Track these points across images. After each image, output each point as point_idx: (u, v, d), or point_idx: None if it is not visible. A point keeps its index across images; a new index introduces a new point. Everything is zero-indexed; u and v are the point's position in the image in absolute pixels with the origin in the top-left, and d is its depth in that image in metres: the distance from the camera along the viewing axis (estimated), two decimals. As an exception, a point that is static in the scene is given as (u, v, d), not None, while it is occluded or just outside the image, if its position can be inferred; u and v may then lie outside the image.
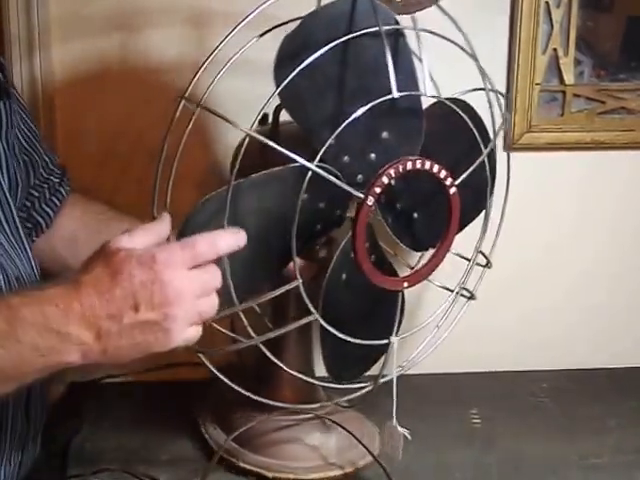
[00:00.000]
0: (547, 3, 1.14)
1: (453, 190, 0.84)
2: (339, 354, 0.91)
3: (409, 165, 0.81)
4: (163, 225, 0.75)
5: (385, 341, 0.88)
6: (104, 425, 1.06)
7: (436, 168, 0.82)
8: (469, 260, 0.94)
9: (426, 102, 0.85)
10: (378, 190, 0.80)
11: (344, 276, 0.87)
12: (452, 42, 0.83)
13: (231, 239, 0.74)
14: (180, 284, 0.70)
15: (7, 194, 0.84)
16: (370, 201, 0.80)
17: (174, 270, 0.70)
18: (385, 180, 0.80)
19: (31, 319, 0.68)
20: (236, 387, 0.86)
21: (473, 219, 0.95)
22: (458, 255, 0.95)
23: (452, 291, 0.94)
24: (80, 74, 1.12)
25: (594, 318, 1.24)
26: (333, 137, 0.78)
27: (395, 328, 0.90)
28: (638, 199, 1.22)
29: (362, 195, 0.80)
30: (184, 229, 0.77)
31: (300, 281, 0.81)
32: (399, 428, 0.89)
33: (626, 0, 1.17)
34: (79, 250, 0.92)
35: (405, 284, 0.86)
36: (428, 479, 0.97)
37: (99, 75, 1.11)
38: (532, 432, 1.07)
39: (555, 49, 1.15)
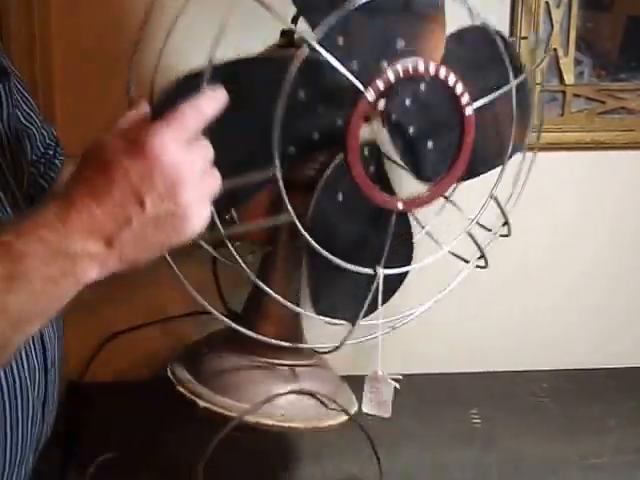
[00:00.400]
0: (547, 3, 1.14)
1: (469, 111, 0.73)
2: (324, 282, 0.80)
3: (420, 66, 0.70)
4: (143, 110, 0.66)
5: (369, 270, 0.77)
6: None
7: (452, 79, 0.71)
8: (488, 230, 0.87)
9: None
10: (381, 85, 0.69)
11: (339, 196, 0.76)
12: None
13: (213, 101, 0.64)
14: (181, 164, 0.62)
15: (10, 179, 0.80)
16: (370, 96, 0.69)
17: (169, 151, 0.61)
18: (391, 76, 0.69)
19: (32, 251, 0.59)
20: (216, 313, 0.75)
21: (492, 167, 0.84)
22: (477, 224, 0.86)
23: (467, 261, 0.86)
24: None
25: (593, 318, 1.24)
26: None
27: (383, 259, 0.78)
28: (638, 199, 1.22)
29: (361, 86, 0.68)
30: (158, 107, 0.66)
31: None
32: (388, 379, 0.78)
33: (626, 0, 1.17)
34: None
35: (400, 204, 0.75)
36: (427, 479, 0.97)
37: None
38: (532, 432, 1.07)
39: (555, 49, 1.16)
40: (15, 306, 0.60)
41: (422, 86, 0.73)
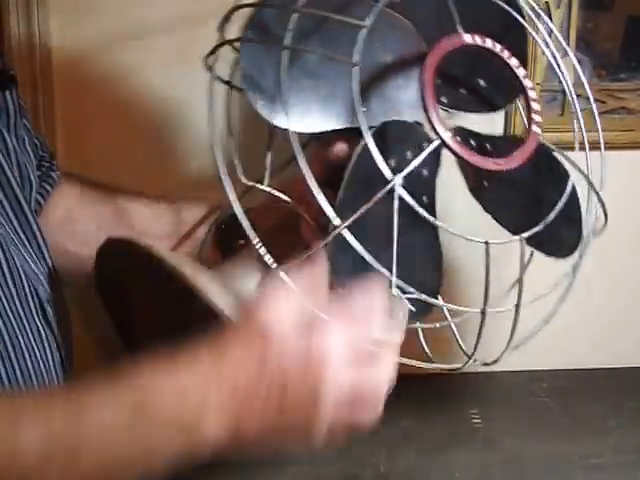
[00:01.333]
0: (547, 3, 1.14)
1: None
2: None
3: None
4: (317, 273, 0.60)
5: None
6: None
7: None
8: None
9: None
10: None
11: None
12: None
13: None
14: (334, 385, 0.56)
15: (19, 192, 0.78)
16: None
17: (331, 369, 0.56)
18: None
19: (165, 412, 0.55)
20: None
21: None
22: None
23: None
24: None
25: (594, 318, 1.24)
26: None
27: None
28: (637, 199, 1.22)
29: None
30: None
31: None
32: (403, 299, 0.66)
33: (626, 0, 1.17)
34: (77, 227, 0.87)
35: (493, 164, 0.68)
36: (429, 479, 0.97)
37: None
38: (532, 432, 1.07)
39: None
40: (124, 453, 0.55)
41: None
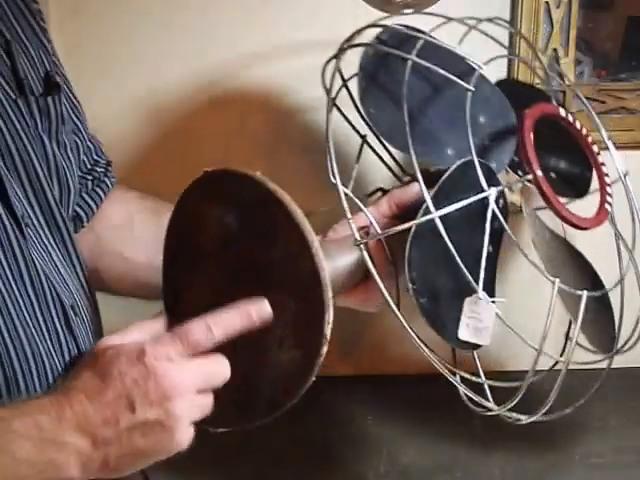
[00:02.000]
0: (547, 3, 1.14)
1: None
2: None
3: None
4: (158, 323, 0.70)
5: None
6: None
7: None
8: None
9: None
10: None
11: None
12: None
13: (237, 319, 0.66)
14: (177, 376, 0.64)
15: (53, 202, 0.77)
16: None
17: (168, 362, 0.64)
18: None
19: (25, 431, 0.61)
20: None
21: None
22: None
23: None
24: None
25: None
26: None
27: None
28: (638, 199, 1.21)
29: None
30: None
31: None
32: (490, 303, 0.71)
33: (626, 0, 1.17)
34: (135, 233, 0.89)
35: (575, 220, 0.82)
36: (429, 479, 0.97)
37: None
38: (533, 431, 1.06)
39: (555, 49, 1.15)
40: None
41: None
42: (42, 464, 0.61)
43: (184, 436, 0.65)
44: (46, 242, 0.75)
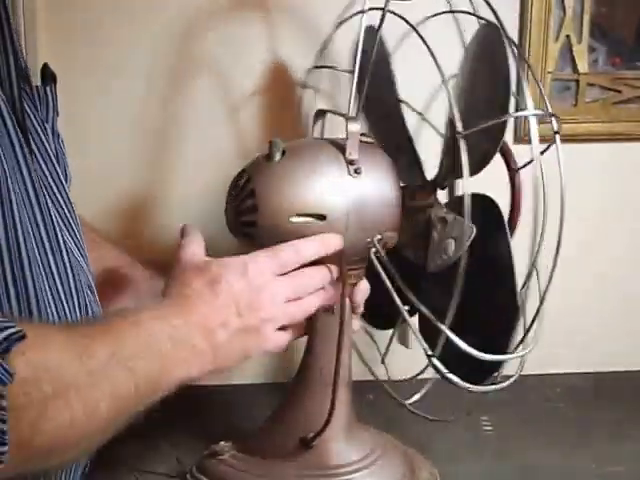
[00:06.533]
0: (560, -14, 1.10)
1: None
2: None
3: None
4: (199, 234, 0.80)
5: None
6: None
7: None
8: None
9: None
10: None
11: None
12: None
13: (317, 246, 0.78)
14: (272, 288, 0.75)
15: (68, 193, 0.80)
16: None
17: (265, 276, 0.75)
18: None
19: (166, 332, 0.69)
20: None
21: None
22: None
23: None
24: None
25: (610, 320, 1.20)
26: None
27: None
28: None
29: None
30: None
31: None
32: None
33: (642, -16, 1.12)
34: None
35: None
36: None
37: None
38: (546, 439, 1.02)
39: (568, 36, 1.11)
40: (146, 373, 0.66)
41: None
42: (179, 361, 0.69)
43: (273, 341, 0.76)
44: (63, 225, 0.77)
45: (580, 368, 1.19)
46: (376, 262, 0.82)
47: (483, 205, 0.83)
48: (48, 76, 0.84)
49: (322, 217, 0.79)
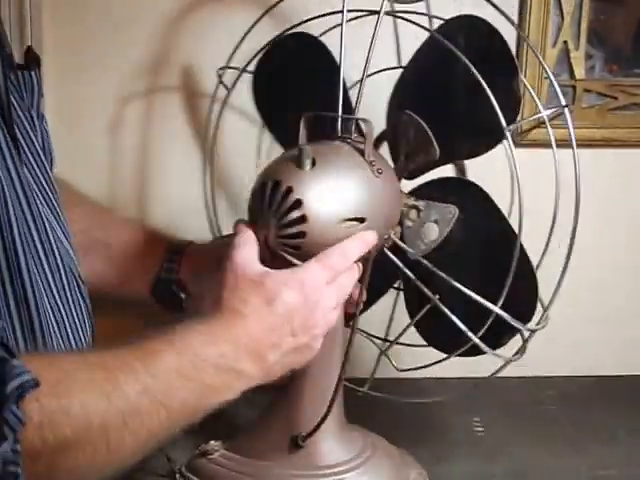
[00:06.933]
0: (558, -7, 1.10)
1: None
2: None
3: None
4: (250, 233, 0.77)
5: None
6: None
7: None
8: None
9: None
10: None
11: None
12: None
13: (360, 246, 0.77)
14: (325, 303, 0.75)
15: (50, 175, 0.79)
16: None
17: (320, 290, 0.74)
18: None
19: (211, 359, 0.68)
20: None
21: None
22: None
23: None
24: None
25: (604, 324, 1.21)
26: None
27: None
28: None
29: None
30: None
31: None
32: None
33: (640, -9, 1.13)
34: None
35: None
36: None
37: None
38: (538, 442, 1.03)
39: (566, 42, 1.12)
40: (181, 404, 0.65)
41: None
42: (222, 389, 0.68)
43: (316, 350, 0.76)
44: (50, 215, 0.76)
45: (573, 372, 1.20)
46: (392, 256, 0.84)
47: (460, 187, 0.88)
48: (32, 60, 0.82)
49: (362, 220, 0.80)
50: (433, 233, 0.86)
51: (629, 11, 1.13)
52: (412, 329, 0.91)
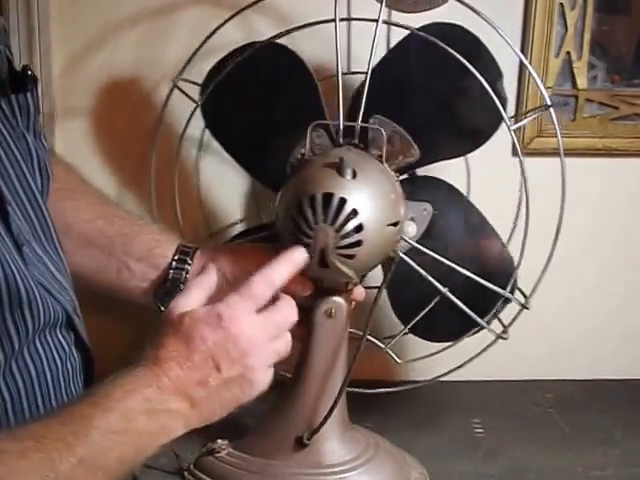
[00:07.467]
0: (562, 5, 1.11)
1: None
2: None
3: None
4: (211, 276, 0.80)
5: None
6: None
7: None
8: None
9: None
10: None
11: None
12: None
13: (286, 268, 0.77)
14: (250, 333, 0.73)
15: (39, 197, 0.77)
16: None
17: (241, 321, 0.73)
18: None
19: (138, 407, 0.67)
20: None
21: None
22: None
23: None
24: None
25: (602, 328, 1.22)
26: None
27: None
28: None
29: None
30: None
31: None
32: None
33: (643, 4, 1.14)
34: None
35: None
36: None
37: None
38: (536, 443, 1.05)
39: (569, 52, 1.13)
40: (119, 461, 0.65)
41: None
42: (157, 431, 0.68)
43: (263, 382, 0.74)
44: (40, 250, 0.74)
45: (572, 375, 1.21)
46: (402, 255, 0.87)
47: (431, 185, 0.93)
48: (29, 80, 0.78)
49: (396, 223, 0.82)
50: (411, 230, 0.90)
51: (632, 23, 1.14)
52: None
